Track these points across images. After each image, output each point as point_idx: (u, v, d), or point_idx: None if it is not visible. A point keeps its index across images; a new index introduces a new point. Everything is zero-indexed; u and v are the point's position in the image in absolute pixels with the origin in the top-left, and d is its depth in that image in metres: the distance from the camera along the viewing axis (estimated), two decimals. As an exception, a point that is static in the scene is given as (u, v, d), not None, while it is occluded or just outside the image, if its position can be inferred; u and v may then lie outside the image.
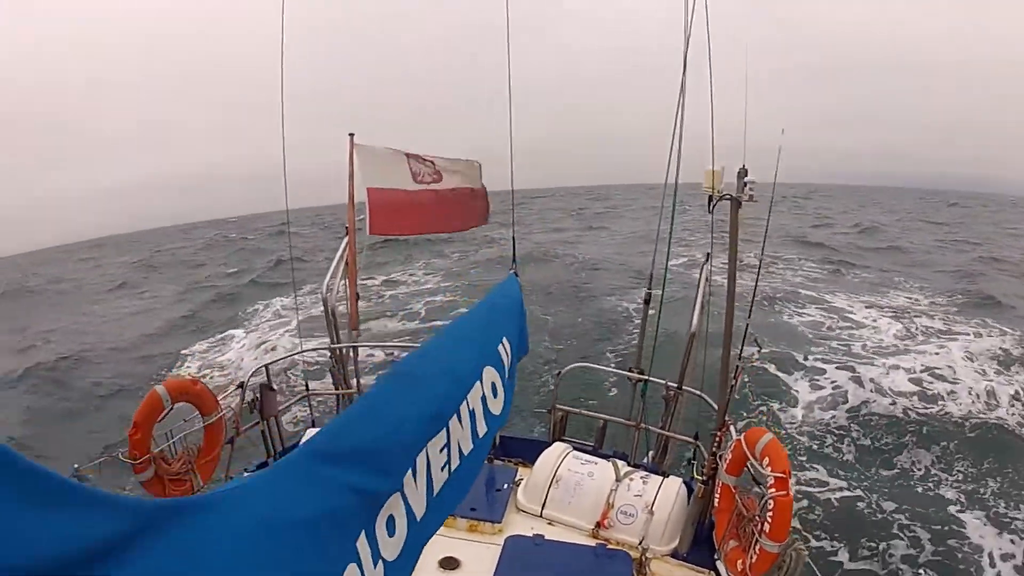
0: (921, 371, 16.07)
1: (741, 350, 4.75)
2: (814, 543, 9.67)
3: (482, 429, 3.00)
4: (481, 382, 3.11)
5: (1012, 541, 9.91)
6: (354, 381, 7.56)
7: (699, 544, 5.27)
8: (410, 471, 2.42)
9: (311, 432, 6.65)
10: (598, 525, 5.40)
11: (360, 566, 2.08)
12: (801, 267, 32.09)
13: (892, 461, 12.30)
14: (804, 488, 11.16)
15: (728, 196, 4.74)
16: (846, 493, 11.14)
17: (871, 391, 14.87)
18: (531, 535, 5.31)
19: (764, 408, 13.92)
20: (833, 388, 15.21)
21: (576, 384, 11.71)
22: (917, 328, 20.60)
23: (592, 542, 5.32)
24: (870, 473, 11.88)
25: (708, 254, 5.81)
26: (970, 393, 14.78)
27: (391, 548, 2.25)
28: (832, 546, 9.75)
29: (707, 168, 4.77)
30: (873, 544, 9.85)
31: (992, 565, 9.44)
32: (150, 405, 5.70)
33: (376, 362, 16.32)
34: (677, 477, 5.72)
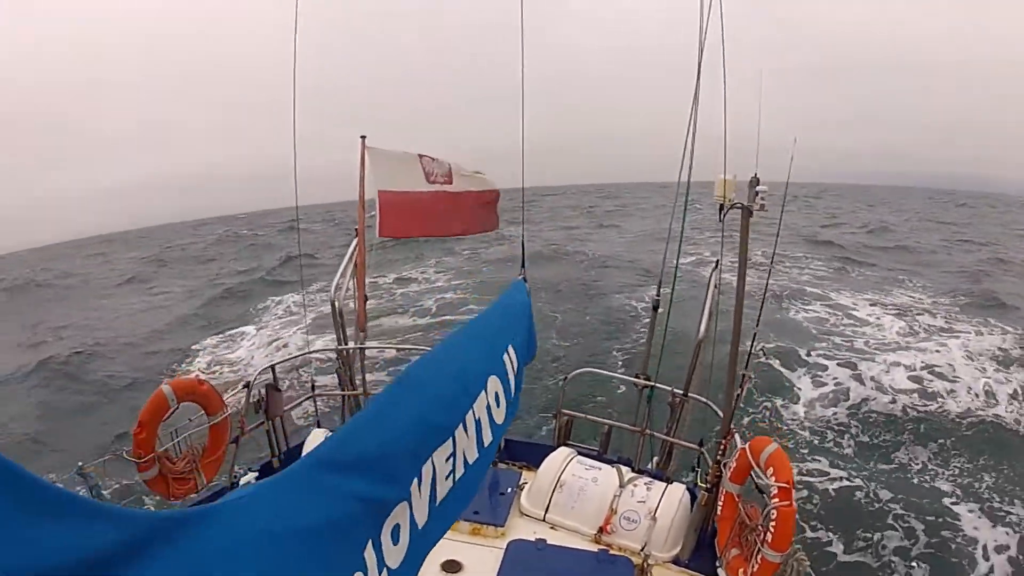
0: (921, 368, 16.22)
1: (748, 360, 4.72)
2: (810, 534, 9.76)
3: (487, 438, 2.99)
4: (486, 392, 3.10)
5: (1006, 533, 9.99)
6: (360, 382, 7.57)
7: (701, 551, 5.25)
8: (416, 479, 2.42)
9: (316, 432, 6.67)
10: (601, 530, 5.40)
11: (366, 575, 2.07)
12: (808, 265, 32.09)
13: (890, 456, 12.42)
14: (805, 479, 11.29)
15: (739, 205, 4.69)
16: (844, 484, 11.27)
17: (872, 388, 15.02)
18: (534, 539, 5.31)
19: (768, 404, 14.12)
20: (835, 385, 15.34)
21: (583, 383, 11.68)
22: (920, 326, 20.69)
23: (594, 547, 5.32)
24: (868, 466, 11.99)
25: (718, 261, 5.77)
26: (969, 392, 14.91)
27: (395, 556, 2.24)
28: (827, 537, 9.83)
29: (719, 176, 4.73)
30: (868, 535, 9.92)
31: (986, 558, 9.50)
32: (155, 404, 5.72)
33: (386, 358, 16.47)
34: (681, 484, 5.71)
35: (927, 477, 11.71)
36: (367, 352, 7.79)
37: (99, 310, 32.52)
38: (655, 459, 6.47)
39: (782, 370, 15.87)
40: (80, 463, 4.89)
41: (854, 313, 22.44)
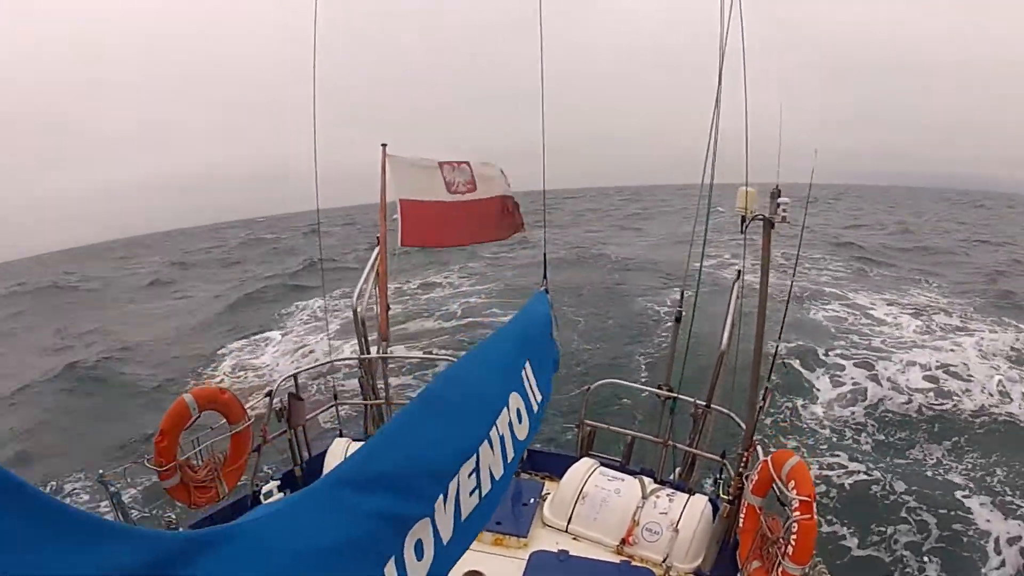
0: (937, 368, 16.30)
1: (770, 372, 4.69)
2: (826, 528, 9.82)
3: (510, 454, 2.99)
4: (508, 408, 3.09)
5: (1019, 525, 10.05)
6: (383, 390, 7.59)
7: (722, 563, 5.22)
8: (441, 496, 2.42)
9: (339, 441, 6.68)
10: (623, 542, 5.38)
11: None
12: (826, 266, 32.05)
13: (906, 452, 12.54)
14: (824, 473, 11.48)
15: (761, 216, 4.67)
16: (860, 478, 11.39)
17: (889, 388, 15.14)
18: (556, 550, 5.30)
19: (789, 404, 14.22)
20: (853, 385, 15.46)
21: (606, 390, 11.73)
22: (936, 325, 20.78)
23: (616, 559, 5.30)
24: (884, 461, 12.06)
25: (740, 271, 5.74)
26: (983, 390, 14.99)
27: (418, 572, 2.23)
28: (842, 531, 9.94)
29: (741, 189, 4.71)
30: (882, 529, 10.01)
31: (998, 551, 9.55)
32: (177, 413, 5.77)
33: (411, 363, 16.51)
34: (703, 495, 5.67)
35: (941, 471, 11.80)
36: (388, 363, 7.80)
37: (125, 314, 32.94)
38: (677, 470, 6.44)
39: (802, 370, 15.99)
40: (101, 471, 4.93)
41: (872, 313, 22.53)
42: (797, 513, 4.05)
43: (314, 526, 1.91)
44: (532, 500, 6.00)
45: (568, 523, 5.67)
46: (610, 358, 17.86)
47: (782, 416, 13.82)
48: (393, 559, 2.11)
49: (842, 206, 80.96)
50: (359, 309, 7.37)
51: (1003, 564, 9.31)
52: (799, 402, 14.49)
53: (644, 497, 5.53)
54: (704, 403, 6.02)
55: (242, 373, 19.40)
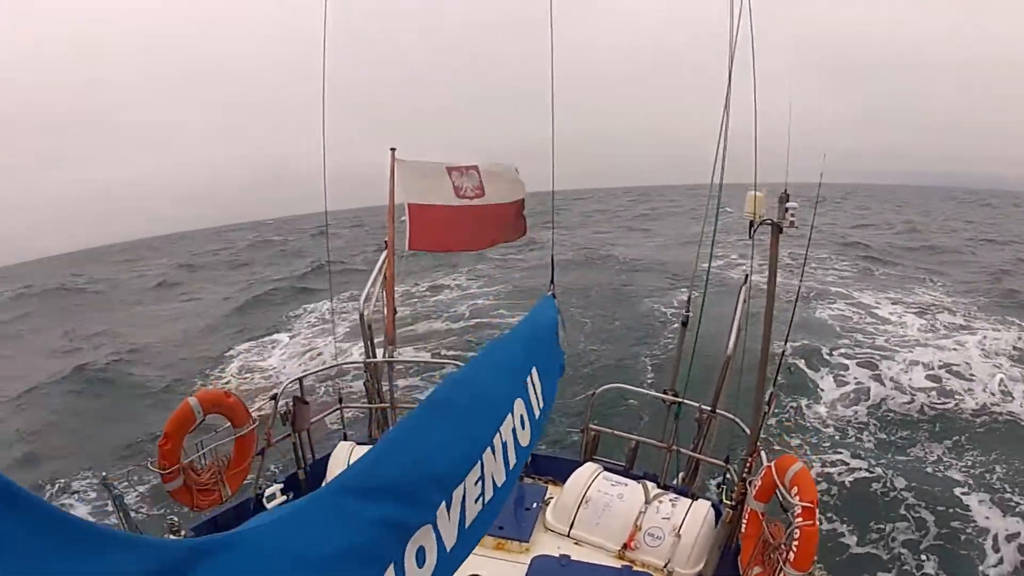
0: (940, 367, 16.38)
1: (776, 378, 4.68)
2: (826, 525, 9.85)
3: (513, 460, 2.98)
4: (512, 414, 3.08)
5: (1018, 521, 10.13)
6: (388, 394, 7.59)
7: (724, 569, 5.20)
8: (444, 503, 2.41)
9: (343, 445, 6.69)
10: (625, 546, 5.37)
11: None
12: (832, 266, 32.01)
13: (907, 450, 12.63)
14: (826, 470, 11.62)
15: (769, 221, 4.65)
16: (860, 475, 11.50)
17: (892, 388, 15.24)
18: (558, 555, 5.29)
19: (794, 404, 14.27)
20: (856, 384, 15.56)
21: (611, 392, 11.78)
22: (940, 324, 20.82)
23: (618, 563, 5.29)
24: (885, 458, 12.16)
25: (747, 275, 5.72)
26: (985, 389, 15.07)
27: None
28: (842, 528, 10.03)
29: (749, 193, 4.69)
30: (881, 526, 10.09)
31: (996, 549, 9.62)
32: (181, 416, 5.79)
33: (417, 365, 16.63)
34: (706, 500, 5.65)
35: (941, 468, 11.92)
36: (394, 367, 7.80)
37: (132, 315, 33.09)
38: (681, 474, 6.43)
39: (807, 370, 16.03)
40: (104, 473, 4.95)
41: (876, 312, 22.56)
42: (799, 519, 4.05)
43: (315, 533, 1.91)
44: (535, 504, 5.99)
45: (570, 528, 5.66)
46: (616, 359, 17.85)
47: (787, 416, 13.87)
48: (393, 565, 2.10)
49: (849, 205, 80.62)
50: (366, 313, 7.39)
51: (1001, 561, 9.39)
52: (803, 401, 14.54)
53: (647, 502, 5.52)
54: (709, 408, 6.00)
55: (249, 375, 19.47)
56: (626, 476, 6.08)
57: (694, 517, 5.34)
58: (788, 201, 4.57)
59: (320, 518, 1.95)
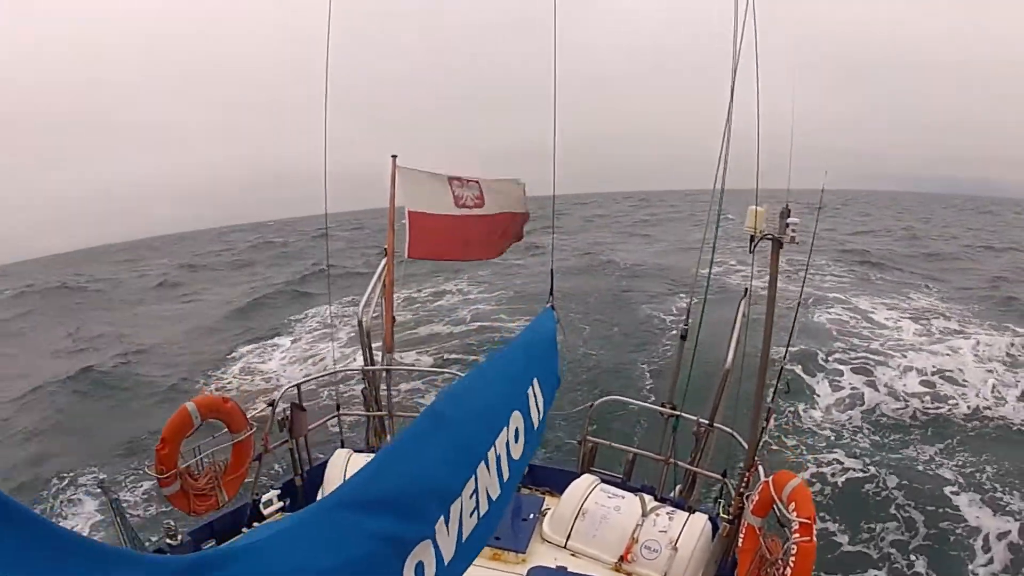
0: (933, 373, 16.64)
1: (774, 393, 4.67)
2: (818, 525, 9.97)
3: (506, 474, 2.97)
4: (508, 427, 3.08)
5: (1007, 520, 10.39)
6: (386, 401, 7.59)
7: None
8: (442, 518, 2.40)
9: (340, 452, 6.67)
10: (621, 559, 5.35)
11: None
12: (831, 271, 32.22)
13: (899, 452, 12.85)
14: (820, 470, 11.96)
15: (770, 236, 4.65)
16: (853, 476, 11.82)
17: (885, 394, 15.48)
18: (554, 567, 5.28)
19: (792, 408, 14.44)
20: (851, 390, 15.79)
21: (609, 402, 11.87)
22: (935, 330, 21.08)
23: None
24: (879, 459, 12.40)
25: (747, 290, 5.71)
26: (978, 394, 15.39)
27: None
28: (834, 527, 10.30)
29: (751, 208, 4.69)
30: (872, 526, 10.35)
31: (987, 548, 9.86)
32: (179, 421, 5.77)
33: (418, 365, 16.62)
34: (703, 513, 5.63)
35: (932, 467, 12.22)
36: (392, 375, 7.80)
37: (135, 316, 33.17)
38: (678, 487, 6.41)
39: (803, 376, 16.20)
40: (102, 477, 4.95)
41: (873, 317, 22.79)
42: (797, 535, 4.03)
43: (314, 548, 1.90)
44: (532, 515, 5.98)
45: (567, 539, 5.64)
46: (615, 365, 17.90)
47: (785, 419, 14.05)
48: None
49: (849, 212, 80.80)
50: (364, 320, 7.38)
51: (991, 561, 9.58)
52: (800, 406, 14.74)
53: (644, 514, 5.50)
54: (707, 421, 5.98)
55: (248, 377, 19.56)
56: (623, 488, 6.06)
57: (691, 530, 5.33)
58: (789, 216, 4.56)
59: (319, 532, 1.95)
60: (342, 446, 7.06)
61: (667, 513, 5.55)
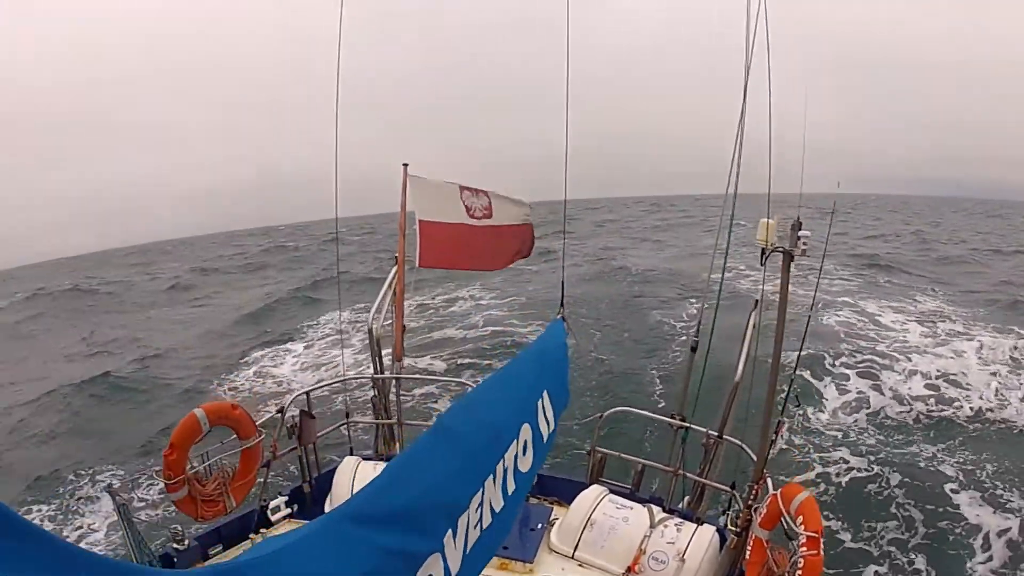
0: (937, 377, 16.75)
1: (784, 406, 4.65)
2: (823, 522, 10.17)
3: (511, 487, 2.97)
4: (517, 440, 3.07)
5: (1007, 517, 10.53)
6: (395, 410, 7.59)
7: None
8: (451, 531, 2.41)
9: (349, 460, 6.67)
10: (629, 570, 5.33)
11: None
12: (840, 275, 32.13)
13: (903, 452, 12.97)
14: (825, 470, 12.16)
15: (781, 249, 4.64)
16: (862, 474, 12.01)
17: (891, 398, 15.58)
18: None
19: (801, 412, 14.50)
20: (857, 393, 15.91)
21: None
22: (941, 333, 21.09)
23: None
24: (882, 458, 12.56)
25: (757, 301, 5.69)
26: (981, 397, 15.49)
27: None
28: (837, 525, 10.46)
29: (762, 220, 4.67)
30: (873, 525, 10.50)
31: (987, 545, 10.00)
32: (187, 427, 5.81)
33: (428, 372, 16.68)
34: (711, 525, 5.60)
35: (934, 464, 12.43)
36: (401, 384, 7.80)
37: (149, 319, 33.45)
38: (687, 499, 6.38)
39: (811, 380, 16.33)
40: (110, 483, 4.97)
41: (880, 320, 22.86)
42: (804, 549, 4.03)
43: (324, 562, 1.91)
44: (540, 525, 5.97)
45: (575, 549, 5.62)
46: (625, 370, 17.91)
47: (794, 421, 14.07)
48: None
49: (860, 216, 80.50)
50: (375, 327, 7.39)
51: (991, 559, 9.71)
52: (808, 409, 14.86)
53: (652, 526, 5.48)
54: (716, 433, 5.96)
55: (261, 380, 19.71)
56: (632, 499, 6.04)
57: (699, 542, 5.30)
58: (801, 229, 4.55)
59: (328, 546, 1.95)
60: (351, 453, 7.07)
61: (675, 524, 5.52)
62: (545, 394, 3.50)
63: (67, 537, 10.83)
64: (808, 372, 16.43)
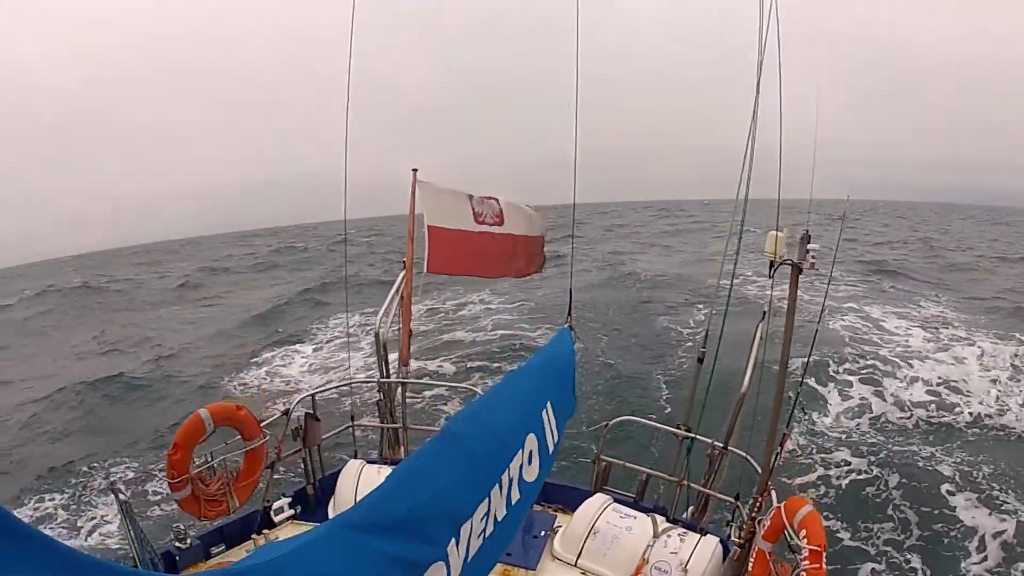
0: (939, 383, 17.00)
1: (790, 419, 4.63)
2: (823, 524, 10.41)
3: (515, 496, 2.96)
4: (523, 450, 3.06)
5: (1002, 520, 10.81)
6: (401, 415, 7.59)
7: None
8: (454, 540, 2.41)
9: (353, 463, 6.68)
10: None
11: None
12: (844, 280, 32.15)
13: (903, 455, 13.19)
14: (827, 472, 12.45)
15: (789, 262, 4.64)
16: (861, 476, 12.35)
17: (892, 404, 15.84)
18: None
19: (806, 417, 14.70)
20: (860, 400, 16.13)
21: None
22: (944, 339, 21.32)
23: None
24: (882, 459, 12.90)
25: (765, 312, 5.67)
26: (982, 402, 15.77)
27: None
28: (836, 525, 10.76)
29: (771, 233, 4.66)
30: (869, 525, 10.82)
31: (982, 546, 10.27)
32: (191, 428, 5.81)
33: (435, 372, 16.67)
34: (714, 536, 5.58)
35: (932, 464, 12.77)
36: (407, 388, 7.82)
37: (159, 318, 33.68)
38: (691, 509, 6.35)
39: (816, 387, 16.48)
40: (112, 480, 4.98)
41: (883, 325, 23.04)
42: (807, 562, 4.01)
43: (327, 569, 1.90)
44: (543, 532, 5.95)
45: (578, 557, 5.60)
46: (632, 375, 17.98)
47: (802, 427, 14.29)
48: None
49: (869, 223, 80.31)
50: (382, 331, 7.40)
51: (985, 559, 10.00)
52: (813, 414, 15.10)
53: (655, 535, 5.45)
54: (721, 444, 5.93)
55: (268, 378, 19.95)
56: (636, 508, 6.01)
57: (702, 552, 5.27)
58: (810, 242, 4.54)
59: (331, 554, 1.95)
60: (356, 456, 7.07)
61: (679, 535, 5.50)
62: (549, 404, 3.49)
63: (81, 528, 11.05)
64: (812, 379, 16.54)
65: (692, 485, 6.22)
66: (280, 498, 6.45)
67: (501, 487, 2.80)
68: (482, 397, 3.16)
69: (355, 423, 7.68)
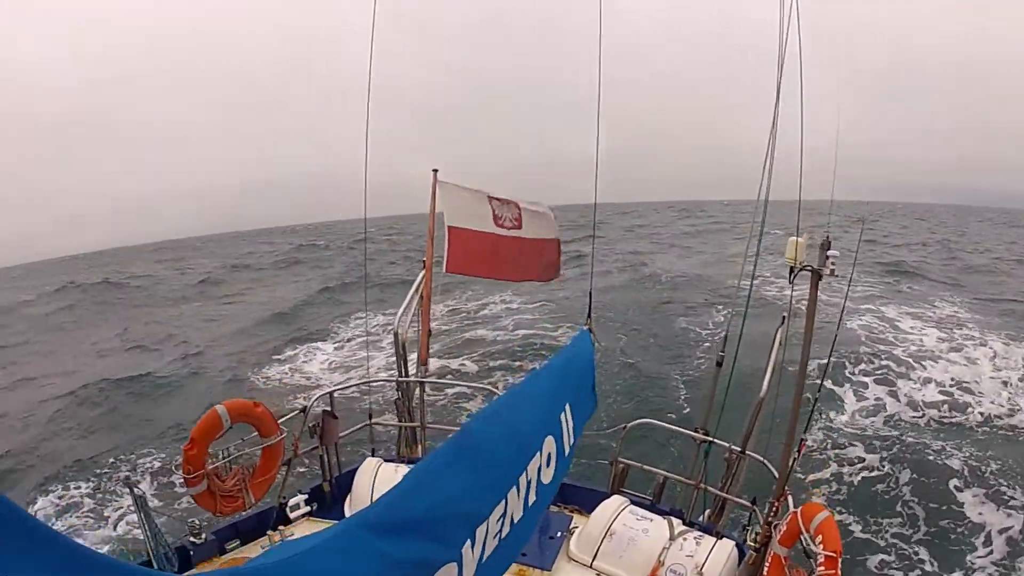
0: (951, 385, 17.09)
1: (808, 424, 4.58)
2: (836, 517, 10.50)
3: (532, 498, 2.95)
4: (540, 452, 3.05)
5: (1008, 515, 11.01)
6: (418, 413, 7.61)
7: None
8: (469, 541, 2.40)
9: (370, 460, 6.69)
10: None
11: None
12: (860, 280, 31.95)
13: (915, 453, 13.29)
14: (840, 470, 12.68)
15: (809, 268, 4.60)
16: (874, 473, 12.57)
17: (905, 404, 16.00)
18: None
19: (824, 416, 14.84)
20: (876, 400, 16.26)
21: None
22: (958, 338, 21.41)
23: None
24: (894, 456, 13.11)
25: (784, 317, 5.62)
26: (994, 403, 15.90)
27: None
28: (849, 519, 10.96)
29: (791, 239, 4.62)
30: (879, 519, 11.02)
31: (987, 543, 10.40)
32: (208, 423, 5.83)
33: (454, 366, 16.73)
34: (730, 539, 5.54)
35: (943, 458, 12.96)
36: (425, 388, 7.83)
37: (181, 315, 33.97)
38: (707, 512, 6.31)
39: (832, 387, 16.52)
40: (127, 474, 5.00)
41: (899, 325, 23.13)
42: (822, 568, 3.98)
43: (341, 568, 1.90)
44: (559, 533, 5.95)
45: (593, 559, 5.59)
46: (651, 375, 17.95)
47: (822, 425, 14.49)
48: None
49: (888, 225, 79.54)
50: (401, 330, 7.41)
51: (991, 552, 10.19)
52: (829, 413, 15.21)
53: (672, 538, 5.43)
54: (739, 448, 5.89)
55: (287, 372, 20.24)
56: (652, 510, 5.99)
57: (717, 556, 5.24)
58: (830, 248, 4.49)
59: (346, 553, 1.95)
60: (373, 454, 7.09)
61: (695, 538, 5.47)
62: (568, 406, 3.47)
63: (107, 518, 11.13)
64: (829, 381, 16.55)
65: (709, 488, 6.19)
66: (296, 495, 6.48)
67: (518, 489, 2.79)
68: (500, 398, 3.15)
69: (373, 421, 7.69)
